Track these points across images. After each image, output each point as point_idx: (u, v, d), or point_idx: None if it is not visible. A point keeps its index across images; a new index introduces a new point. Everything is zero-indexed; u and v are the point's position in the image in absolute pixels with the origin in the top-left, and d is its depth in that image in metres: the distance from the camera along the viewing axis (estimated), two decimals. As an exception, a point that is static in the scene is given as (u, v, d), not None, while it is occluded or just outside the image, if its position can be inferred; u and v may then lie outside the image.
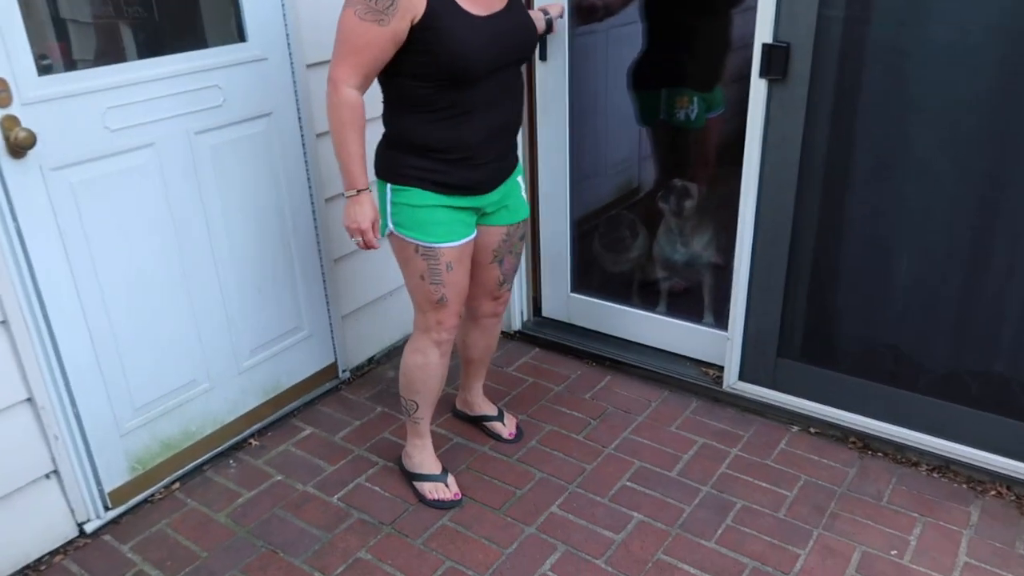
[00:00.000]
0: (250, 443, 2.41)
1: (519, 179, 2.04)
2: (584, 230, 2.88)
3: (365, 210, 1.80)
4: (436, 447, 2.29)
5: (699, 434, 2.40)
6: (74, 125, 1.84)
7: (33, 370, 1.86)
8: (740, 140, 2.21)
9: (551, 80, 2.60)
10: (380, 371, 2.77)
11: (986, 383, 2.11)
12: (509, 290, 2.19)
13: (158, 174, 2.03)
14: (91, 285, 1.95)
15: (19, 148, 1.73)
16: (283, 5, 2.20)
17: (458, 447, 2.38)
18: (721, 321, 2.58)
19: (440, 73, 1.71)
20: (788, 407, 2.41)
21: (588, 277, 2.90)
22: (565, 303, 2.88)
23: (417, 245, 1.87)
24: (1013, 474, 2.10)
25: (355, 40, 1.68)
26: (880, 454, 2.28)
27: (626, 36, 2.77)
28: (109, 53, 1.95)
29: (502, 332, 2.94)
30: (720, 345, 2.52)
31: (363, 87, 1.75)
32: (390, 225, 1.88)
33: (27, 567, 1.97)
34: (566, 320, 2.90)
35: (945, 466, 2.21)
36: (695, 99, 2.80)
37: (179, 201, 2.09)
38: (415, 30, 1.67)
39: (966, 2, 1.83)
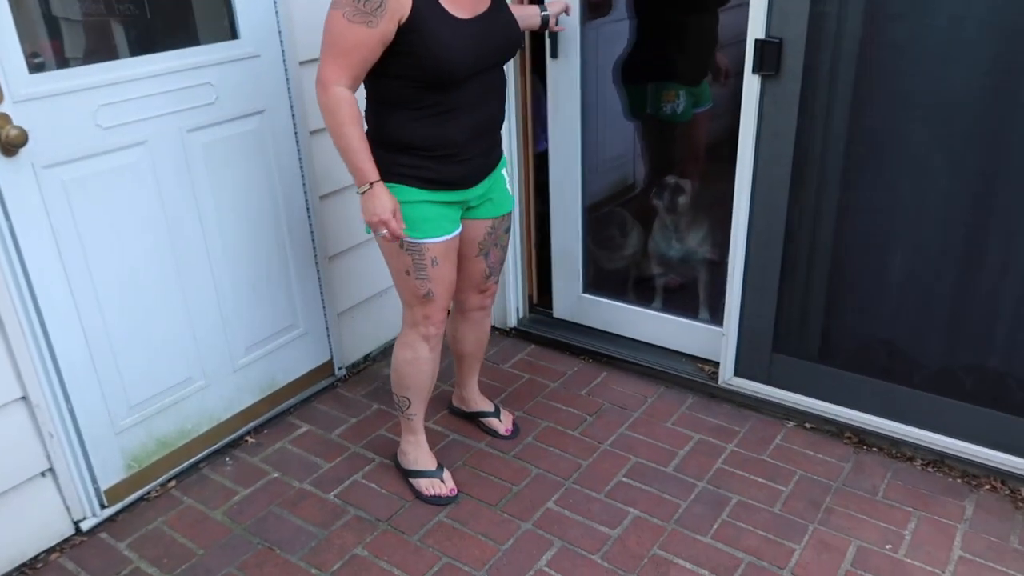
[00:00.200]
0: (246, 441, 2.41)
1: (503, 172, 2.04)
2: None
3: (383, 200, 1.78)
4: (432, 444, 2.29)
5: (695, 430, 2.40)
6: (66, 123, 1.84)
7: (27, 368, 1.86)
8: (732, 136, 2.21)
9: (563, 77, 2.56)
10: (376, 368, 2.77)
11: (981, 378, 2.11)
12: (496, 282, 2.20)
13: (150, 172, 2.02)
14: (85, 283, 1.95)
15: (11, 146, 1.73)
16: (275, 2, 2.19)
17: (454, 444, 2.38)
18: (716, 317, 2.58)
19: (424, 74, 1.72)
20: (784, 402, 2.41)
21: (589, 276, 2.89)
22: (576, 303, 2.85)
23: (402, 240, 1.87)
24: (1008, 468, 2.11)
25: (344, 42, 1.68)
26: (875, 449, 2.28)
27: (615, 33, 2.77)
28: (101, 51, 1.95)
29: (498, 329, 2.95)
30: (715, 341, 2.52)
31: (353, 87, 1.74)
32: None
33: (23, 565, 1.97)
34: (578, 322, 2.86)
35: (940, 461, 2.21)
36: (681, 93, 2.81)
37: (172, 199, 2.08)
38: (401, 32, 1.68)
39: (959, -4, 1.83)
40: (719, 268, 2.57)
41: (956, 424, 2.16)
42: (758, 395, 2.45)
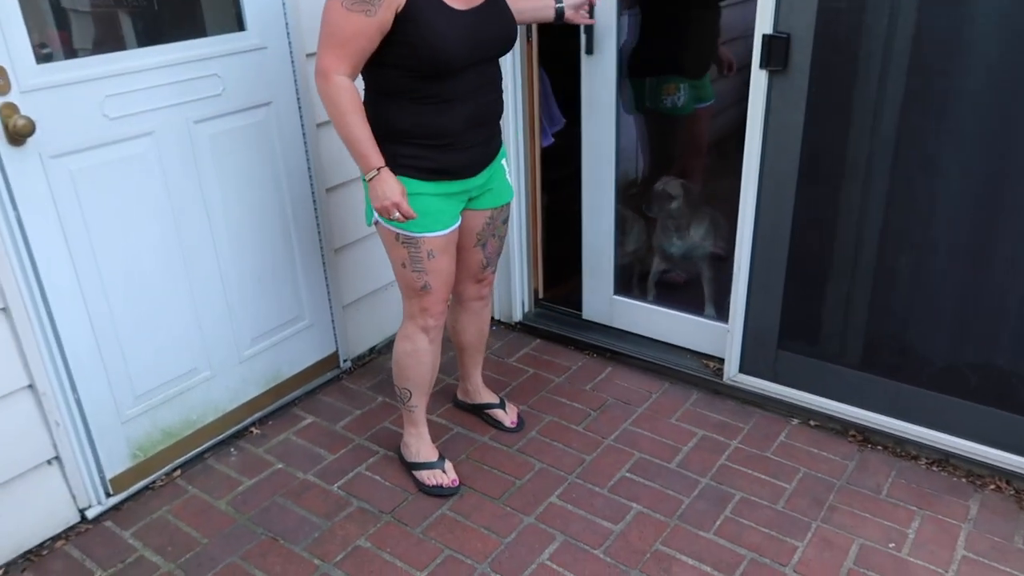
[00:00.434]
0: (251, 431, 2.42)
1: (503, 162, 2.04)
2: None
3: (391, 185, 1.79)
4: (436, 437, 2.29)
5: (699, 426, 2.40)
6: (73, 113, 1.84)
7: (34, 357, 1.88)
8: (735, 132, 2.20)
9: (598, 74, 2.49)
10: (381, 361, 2.77)
11: (987, 377, 2.10)
12: (493, 273, 2.20)
13: (157, 163, 2.03)
14: (91, 273, 1.96)
15: (18, 136, 1.74)
16: (283, -6, 2.20)
17: (458, 437, 2.38)
18: (722, 313, 2.57)
19: (420, 64, 1.73)
20: (788, 400, 2.40)
21: (620, 277, 2.85)
22: (608, 306, 2.81)
23: (398, 233, 1.88)
24: (1013, 468, 2.09)
25: (342, 31, 1.69)
26: (880, 447, 2.27)
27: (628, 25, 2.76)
28: (109, 41, 1.96)
29: (503, 323, 2.95)
30: (721, 337, 2.51)
31: (352, 77, 1.75)
32: (375, 214, 1.88)
33: (29, 552, 1.99)
34: (609, 324, 2.81)
35: (945, 460, 2.20)
36: (682, 87, 2.80)
37: (178, 190, 2.09)
38: (397, 20, 1.69)
39: (970, -9, 1.81)
40: (724, 264, 2.56)
41: (961, 423, 2.14)
42: (763, 392, 2.44)
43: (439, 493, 2.14)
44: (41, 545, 2.01)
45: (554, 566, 1.91)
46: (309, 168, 2.40)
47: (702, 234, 2.76)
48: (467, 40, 1.74)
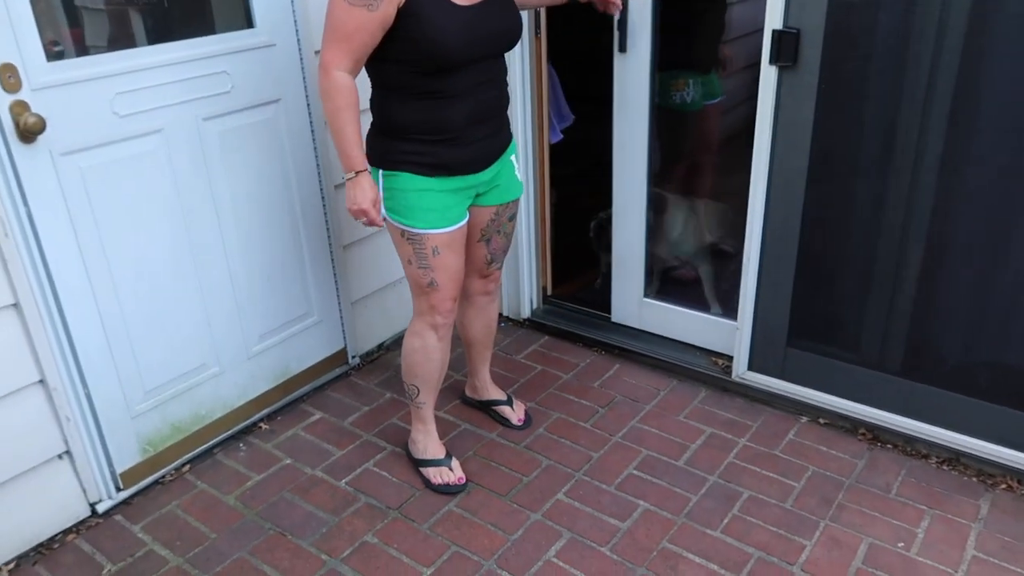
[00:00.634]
0: (260, 427, 2.43)
1: (512, 158, 2.03)
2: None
3: (364, 190, 1.82)
4: (444, 434, 2.30)
5: (707, 423, 2.39)
6: (83, 111, 1.86)
7: (45, 352, 1.89)
8: (747, 128, 2.18)
9: (631, 72, 2.42)
10: (389, 357, 2.78)
11: (998, 375, 2.08)
12: (499, 269, 2.20)
13: (166, 160, 2.04)
14: (101, 269, 1.97)
15: (29, 133, 1.75)
16: (292, -9, 2.20)
17: (466, 433, 2.38)
18: (730, 310, 2.56)
19: (421, 59, 1.73)
20: (797, 397, 2.39)
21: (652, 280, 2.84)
22: (637, 309, 2.76)
23: (403, 230, 1.89)
24: (1025, 467, 2.08)
25: (345, 26, 1.69)
26: (889, 446, 2.26)
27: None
28: (120, 39, 1.97)
29: (511, 319, 2.95)
30: (729, 334, 2.50)
31: (354, 72, 1.76)
32: (383, 211, 1.89)
33: (40, 546, 2.01)
34: (639, 327, 2.76)
35: (955, 459, 2.18)
36: (691, 82, 2.78)
37: (188, 187, 2.10)
38: (399, 15, 1.69)
39: (983, -14, 1.79)
40: (734, 261, 2.55)
41: (973, 422, 2.13)
42: (771, 389, 2.43)
43: (446, 491, 2.14)
44: (52, 538, 2.03)
45: (560, 563, 1.91)
46: (318, 165, 2.41)
47: (712, 227, 2.74)
48: (468, 35, 1.74)
